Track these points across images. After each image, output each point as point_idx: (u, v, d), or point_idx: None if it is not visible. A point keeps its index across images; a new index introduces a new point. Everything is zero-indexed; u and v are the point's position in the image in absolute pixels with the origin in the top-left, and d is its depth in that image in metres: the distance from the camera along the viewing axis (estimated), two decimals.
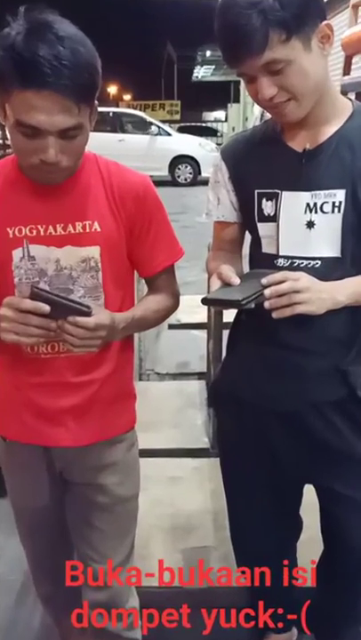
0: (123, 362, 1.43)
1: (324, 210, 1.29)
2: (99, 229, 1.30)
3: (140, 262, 1.40)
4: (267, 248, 1.38)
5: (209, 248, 1.67)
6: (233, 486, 1.63)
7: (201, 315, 3.73)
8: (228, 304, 1.21)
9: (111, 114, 13.80)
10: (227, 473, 1.62)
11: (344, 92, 3.54)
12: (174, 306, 1.47)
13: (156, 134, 13.52)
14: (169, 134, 13.84)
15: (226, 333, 1.61)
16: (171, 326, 4.50)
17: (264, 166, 1.36)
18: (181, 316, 4.41)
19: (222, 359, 1.64)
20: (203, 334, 3.86)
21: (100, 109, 1.28)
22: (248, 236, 1.47)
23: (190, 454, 2.92)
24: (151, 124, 13.73)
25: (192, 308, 3.51)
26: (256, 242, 1.41)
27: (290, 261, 1.33)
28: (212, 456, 2.84)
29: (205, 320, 3.55)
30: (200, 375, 3.80)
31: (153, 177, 1.44)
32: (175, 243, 1.43)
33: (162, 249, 1.40)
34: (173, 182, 13.40)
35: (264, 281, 1.20)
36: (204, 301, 1.21)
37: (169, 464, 2.81)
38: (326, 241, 1.30)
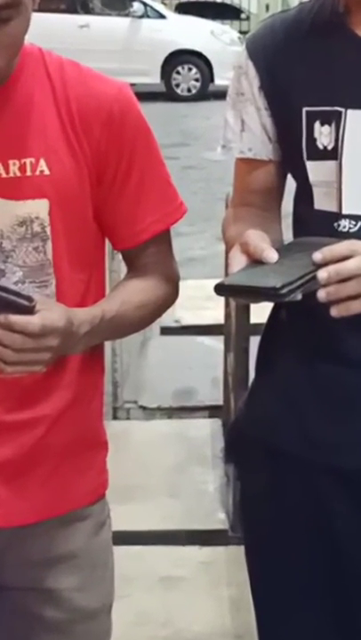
0: (87, 389, 1.44)
1: None
2: (47, 172, 1.31)
3: (116, 226, 1.41)
4: (322, 203, 1.39)
5: (227, 203, 1.68)
6: (268, 591, 1.63)
7: (214, 312, 3.74)
8: (260, 294, 1.22)
9: None
10: (257, 570, 1.63)
11: None
12: (170, 297, 1.48)
13: (141, 16, 13.55)
14: (162, 16, 13.88)
15: (255, 342, 1.61)
16: (165, 330, 4.51)
17: (317, 69, 1.37)
18: (182, 313, 4.41)
19: (249, 384, 1.65)
20: (217, 343, 3.86)
21: None
22: (291, 183, 1.48)
23: (198, 540, 2.93)
24: None
25: (200, 302, 3.53)
26: (305, 192, 1.42)
27: (359, 224, 1.34)
28: (232, 543, 2.85)
29: (221, 321, 3.56)
30: (212, 410, 3.82)
31: (136, 86, 1.45)
32: (172, 194, 1.44)
33: (150, 205, 1.40)
34: (170, 95, 13.44)
35: (318, 256, 1.21)
36: (221, 289, 1.22)
37: (163, 556, 2.81)
38: None
